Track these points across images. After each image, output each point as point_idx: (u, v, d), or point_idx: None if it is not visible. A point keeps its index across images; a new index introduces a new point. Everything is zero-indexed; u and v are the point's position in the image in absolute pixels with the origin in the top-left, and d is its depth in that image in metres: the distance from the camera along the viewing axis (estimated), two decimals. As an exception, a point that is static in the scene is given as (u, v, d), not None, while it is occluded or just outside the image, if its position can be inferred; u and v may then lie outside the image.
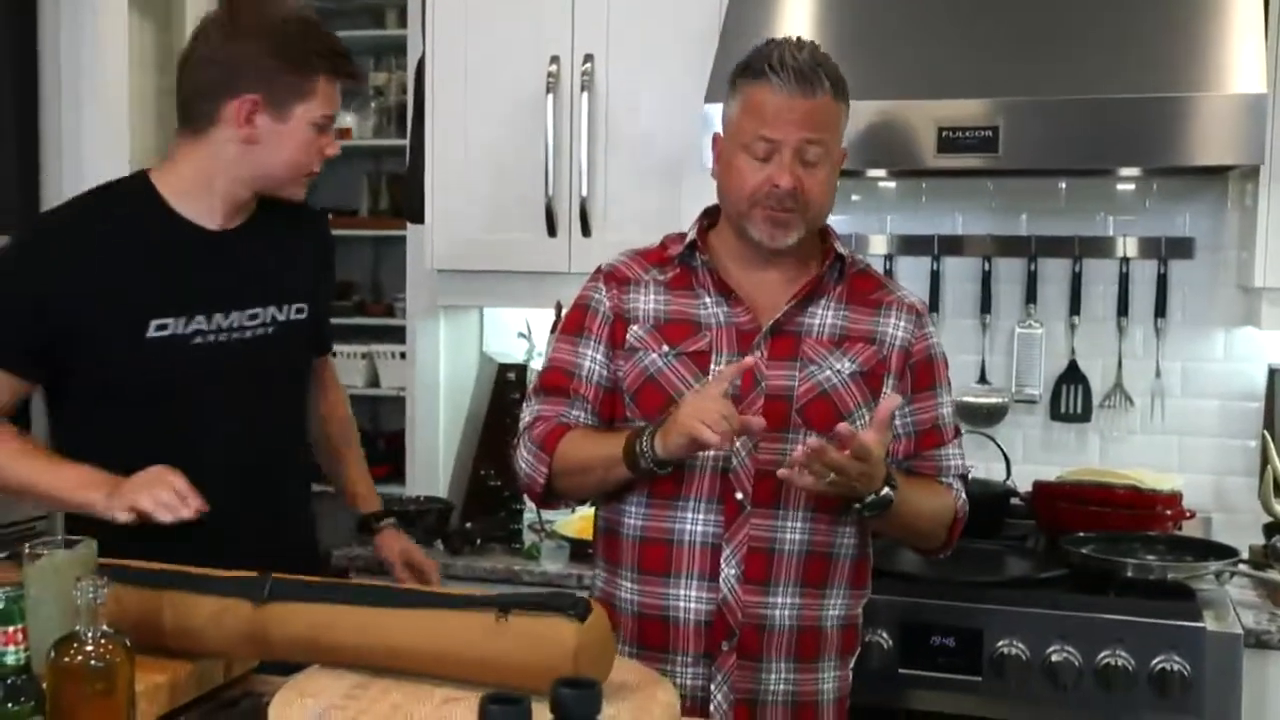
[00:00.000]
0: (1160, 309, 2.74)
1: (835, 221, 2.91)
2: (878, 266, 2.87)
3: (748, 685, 1.82)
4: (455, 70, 2.77)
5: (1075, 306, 2.79)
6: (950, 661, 2.22)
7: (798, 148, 1.78)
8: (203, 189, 1.96)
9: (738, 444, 1.78)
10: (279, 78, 1.91)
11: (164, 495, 1.75)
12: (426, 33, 2.82)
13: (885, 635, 2.24)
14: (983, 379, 2.84)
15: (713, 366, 1.82)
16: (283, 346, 2.03)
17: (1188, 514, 2.56)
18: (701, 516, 1.82)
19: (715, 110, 2.37)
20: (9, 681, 1.21)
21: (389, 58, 4.23)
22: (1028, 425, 2.84)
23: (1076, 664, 2.15)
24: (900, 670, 2.24)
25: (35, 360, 1.91)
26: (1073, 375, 2.80)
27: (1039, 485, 2.65)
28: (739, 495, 1.81)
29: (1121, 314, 2.76)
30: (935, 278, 2.86)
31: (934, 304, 2.86)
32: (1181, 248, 2.73)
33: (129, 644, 1.28)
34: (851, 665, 1.93)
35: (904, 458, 1.90)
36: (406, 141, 3.15)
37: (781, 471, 1.71)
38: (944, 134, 2.31)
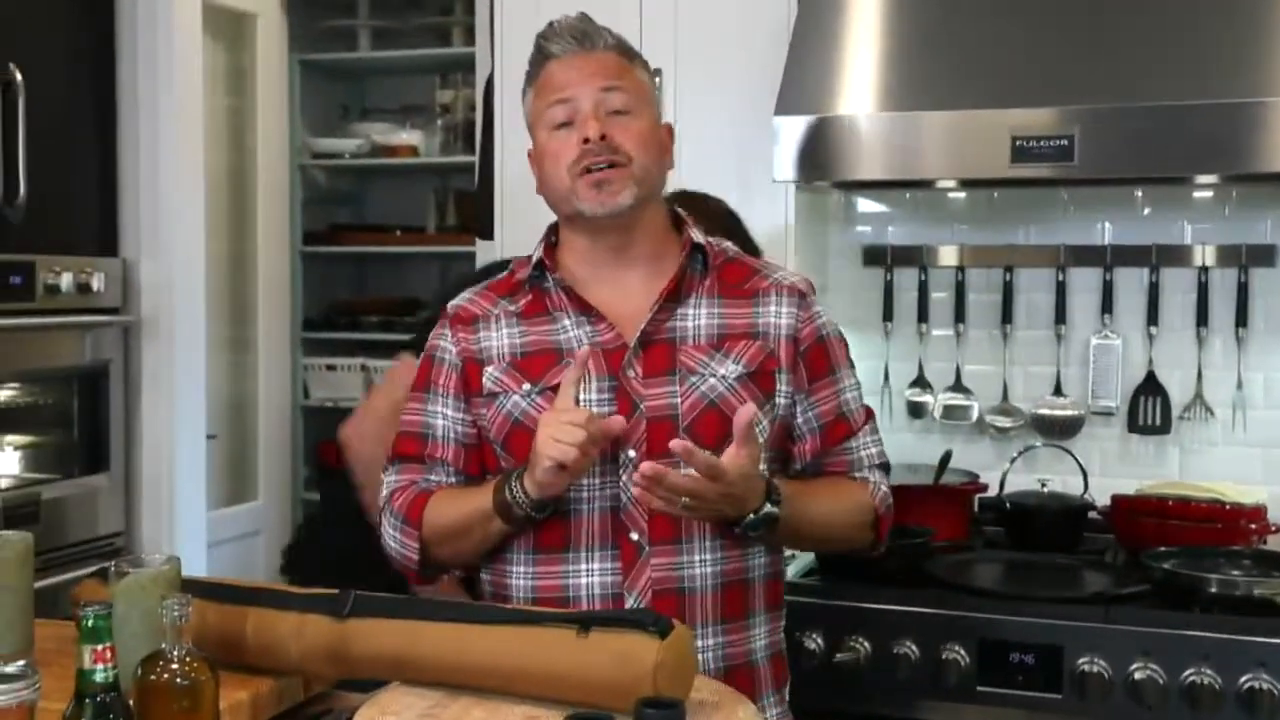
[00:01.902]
0: (1241, 318, 2.68)
1: (899, 232, 2.95)
2: (947, 278, 2.87)
3: None
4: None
5: (1153, 316, 2.74)
6: (1030, 679, 2.18)
7: (596, 99, 1.65)
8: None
9: (625, 477, 1.61)
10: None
11: None
12: (496, 50, 2.84)
13: (963, 652, 2.21)
14: (1058, 391, 2.80)
15: (582, 396, 1.61)
16: None
17: (1273, 528, 2.50)
18: (596, 566, 1.62)
19: (784, 122, 2.39)
20: (98, 699, 1.21)
21: (455, 75, 4.26)
22: (1105, 438, 2.79)
23: (1161, 682, 2.11)
24: (979, 688, 2.20)
25: None
26: (1151, 386, 2.74)
27: (1118, 499, 2.61)
28: (634, 535, 1.61)
29: (1201, 324, 2.71)
30: (1008, 289, 2.82)
31: (1007, 315, 2.83)
32: (1263, 255, 2.67)
33: (214, 662, 1.29)
34: (788, 698, 1.75)
35: (813, 457, 1.73)
36: (472, 158, 3.18)
37: (636, 490, 1.54)
38: (1018, 143, 2.28)
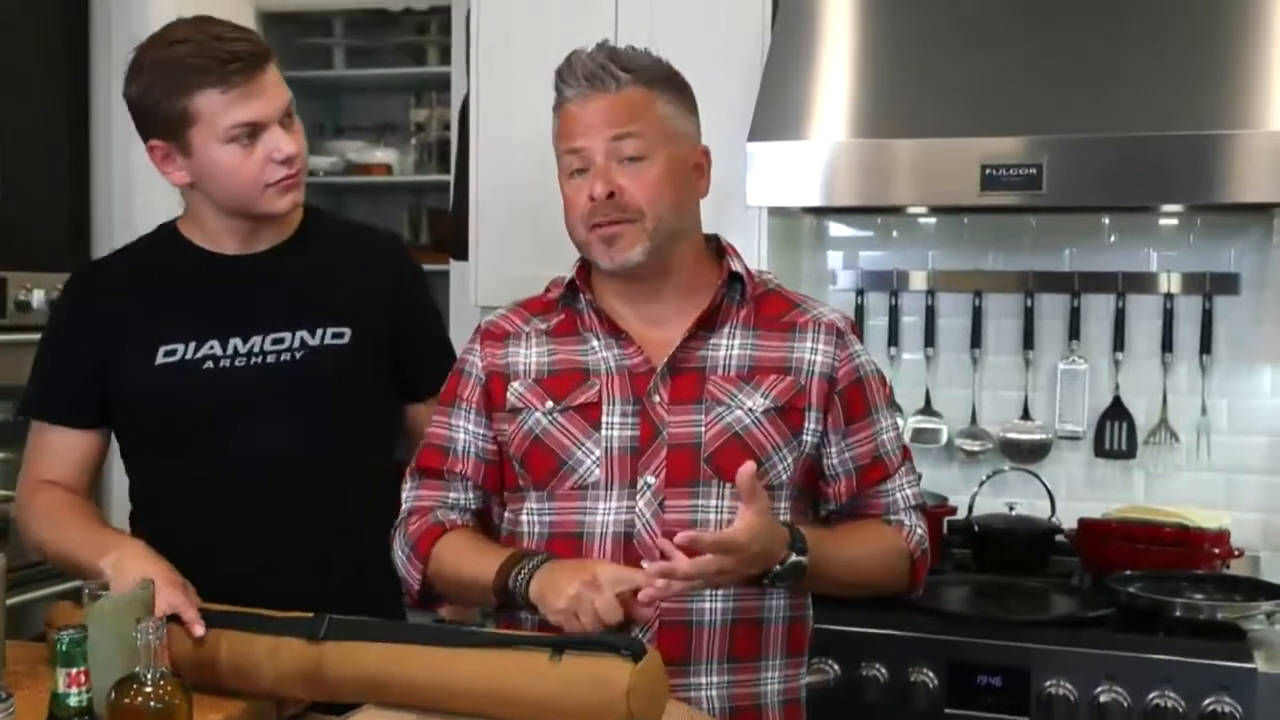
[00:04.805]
0: (1205, 345, 2.72)
1: (870, 257, 2.97)
2: (917, 303, 2.90)
3: None
4: (499, 107, 2.80)
5: (1119, 342, 2.77)
6: (997, 701, 2.20)
7: (608, 149, 1.60)
8: (203, 221, 1.91)
9: (640, 504, 1.60)
10: (157, 118, 1.80)
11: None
12: (471, 71, 2.85)
13: (930, 674, 2.22)
14: (1026, 415, 2.83)
15: (604, 418, 1.62)
16: (317, 373, 1.88)
17: (1235, 552, 2.54)
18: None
19: (758, 148, 2.41)
20: (72, 722, 1.22)
21: (429, 95, 4.27)
22: (1072, 462, 2.82)
23: (1125, 704, 2.13)
24: (946, 710, 2.22)
25: (85, 407, 1.90)
26: (1117, 411, 2.78)
27: (1084, 523, 2.63)
28: (645, 564, 1.56)
29: (1166, 350, 2.75)
30: (977, 313, 2.85)
31: (976, 340, 2.86)
32: (1227, 283, 2.72)
33: (188, 686, 1.30)
34: None
35: (849, 498, 1.71)
36: (446, 177, 3.19)
37: (650, 593, 1.44)
38: (987, 172, 2.31)
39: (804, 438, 1.66)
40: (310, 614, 1.52)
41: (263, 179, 1.81)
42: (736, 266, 1.71)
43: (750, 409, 1.63)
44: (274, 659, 1.49)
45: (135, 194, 3.14)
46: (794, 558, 1.53)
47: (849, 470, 1.70)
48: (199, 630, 1.54)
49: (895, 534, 1.71)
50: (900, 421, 2.87)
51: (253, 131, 1.78)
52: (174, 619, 1.53)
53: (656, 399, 1.63)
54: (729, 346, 1.67)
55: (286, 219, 1.92)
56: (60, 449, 1.90)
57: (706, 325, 1.67)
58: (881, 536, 1.70)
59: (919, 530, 1.72)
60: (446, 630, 1.47)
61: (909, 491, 1.74)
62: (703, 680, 1.60)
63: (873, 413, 1.71)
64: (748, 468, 1.47)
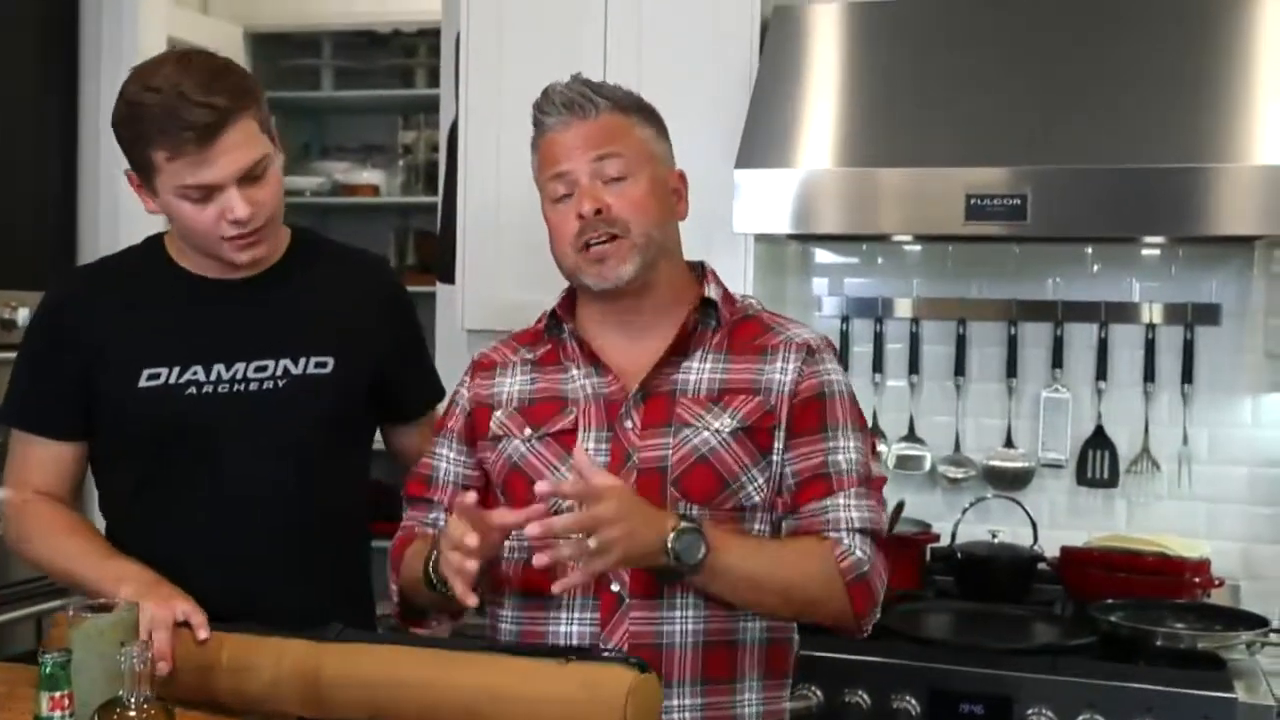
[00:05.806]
0: (1187, 375, 2.74)
1: (859, 284, 2.99)
2: (902, 330, 2.91)
3: None
4: (488, 130, 2.81)
5: (1102, 372, 2.79)
6: (979, 729, 2.21)
7: (592, 170, 1.65)
8: (184, 247, 1.90)
9: None
10: (130, 156, 1.81)
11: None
12: (460, 94, 2.86)
13: (913, 701, 2.23)
14: (1009, 443, 2.84)
15: (579, 444, 1.63)
16: (298, 401, 1.88)
17: (1216, 582, 2.56)
18: (576, 615, 1.62)
19: (744, 176, 2.42)
20: (55, 747, 1.22)
21: (417, 116, 4.30)
22: (1054, 490, 2.83)
23: (1107, 733, 2.14)
24: (929, 737, 2.23)
25: (66, 420, 1.89)
26: (1099, 440, 2.79)
27: (1066, 551, 2.65)
28: (615, 587, 1.60)
29: (1148, 380, 2.77)
30: (961, 342, 2.87)
31: (960, 367, 2.87)
32: (1208, 314, 2.74)
33: (172, 709, 1.30)
34: None
35: (784, 513, 1.66)
36: (433, 199, 3.19)
37: (538, 559, 1.47)
38: (972, 201, 2.32)
39: (773, 458, 1.66)
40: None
41: (217, 233, 1.80)
42: (710, 293, 1.73)
43: (717, 430, 1.64)
44: (277, 661, 1.50)
45: (121, 213, 3.14)
46: (684, 524, 1.51)
47: (789, 485, 1.66)
48: (203, 634, 1.60)
49: (824, 547, 1.61)
50: (883, 448, 2.88)
51: (206, 194, 1.76)
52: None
53: (629, 424, 1.66)
54: (699, 370, 1.68)
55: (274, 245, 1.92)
56: (44, 460, 1.90)
57: (679, 351, 1.69)
58: (808, 547, 1.61)
59: (858, 553, 1.61)
60: (452, 640, 1.49)
61: (854, 514, 1.63)
62: (674, 702, 1.60)
63: (827, 429, 1.67)
64: (577, 451, 1.53)
